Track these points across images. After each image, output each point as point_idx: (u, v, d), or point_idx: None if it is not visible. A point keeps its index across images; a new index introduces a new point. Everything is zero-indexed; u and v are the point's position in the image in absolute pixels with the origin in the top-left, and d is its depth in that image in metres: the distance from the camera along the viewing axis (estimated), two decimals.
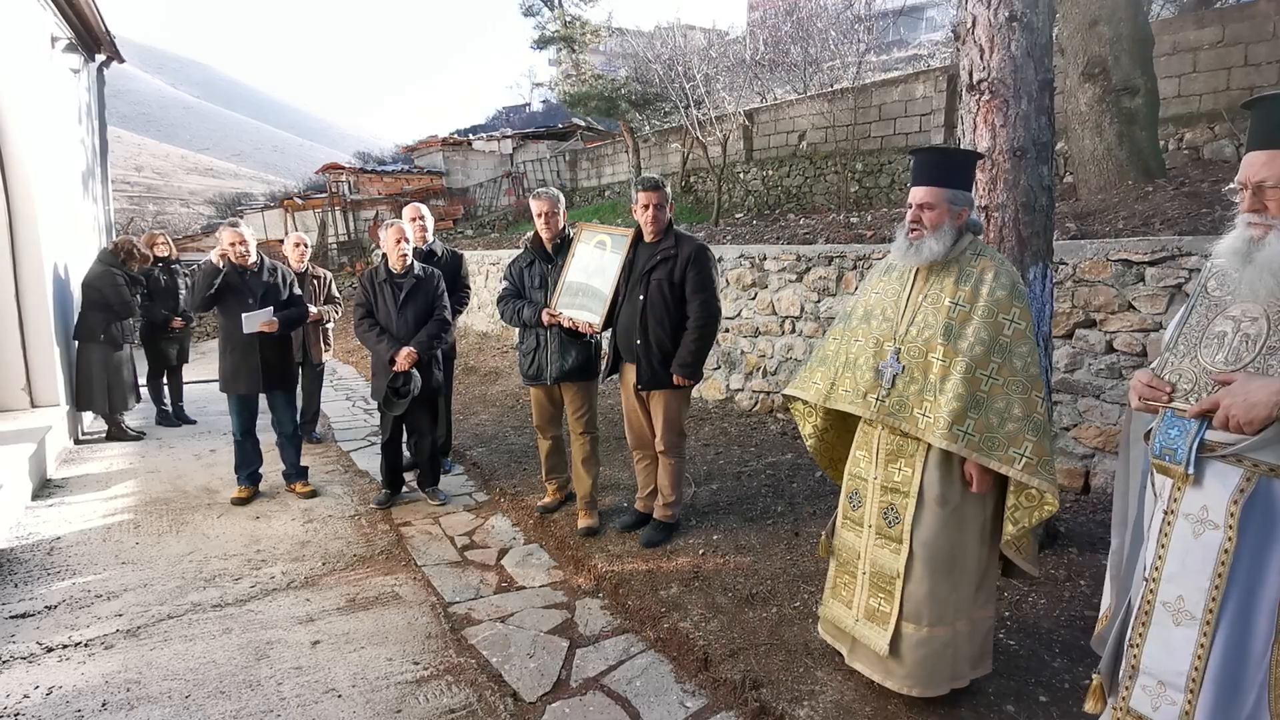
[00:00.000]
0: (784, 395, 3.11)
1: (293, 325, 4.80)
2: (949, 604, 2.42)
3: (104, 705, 2.66)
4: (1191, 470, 1.67)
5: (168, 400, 7.03)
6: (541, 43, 17.45)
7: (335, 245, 17.96)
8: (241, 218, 19.82)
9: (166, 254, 6.92)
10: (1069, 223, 5.02)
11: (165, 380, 7.01)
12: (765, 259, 6.21)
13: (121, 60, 9.07)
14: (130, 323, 6.26)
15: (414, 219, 5.02)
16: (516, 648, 3.08)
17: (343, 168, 20.03)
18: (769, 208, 12.09)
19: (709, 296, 3.66)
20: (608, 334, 3.98)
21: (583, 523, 4.08)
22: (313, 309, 5.55)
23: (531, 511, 4.44)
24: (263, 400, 4.76)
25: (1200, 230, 4.38)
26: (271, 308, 4.58)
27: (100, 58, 8.68)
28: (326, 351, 6.25)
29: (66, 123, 7.29)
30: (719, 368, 6.70)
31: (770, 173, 12.71)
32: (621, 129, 15.50)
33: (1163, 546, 1.74)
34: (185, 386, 7.33)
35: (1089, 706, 1.96)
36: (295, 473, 4.95)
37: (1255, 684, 1.61)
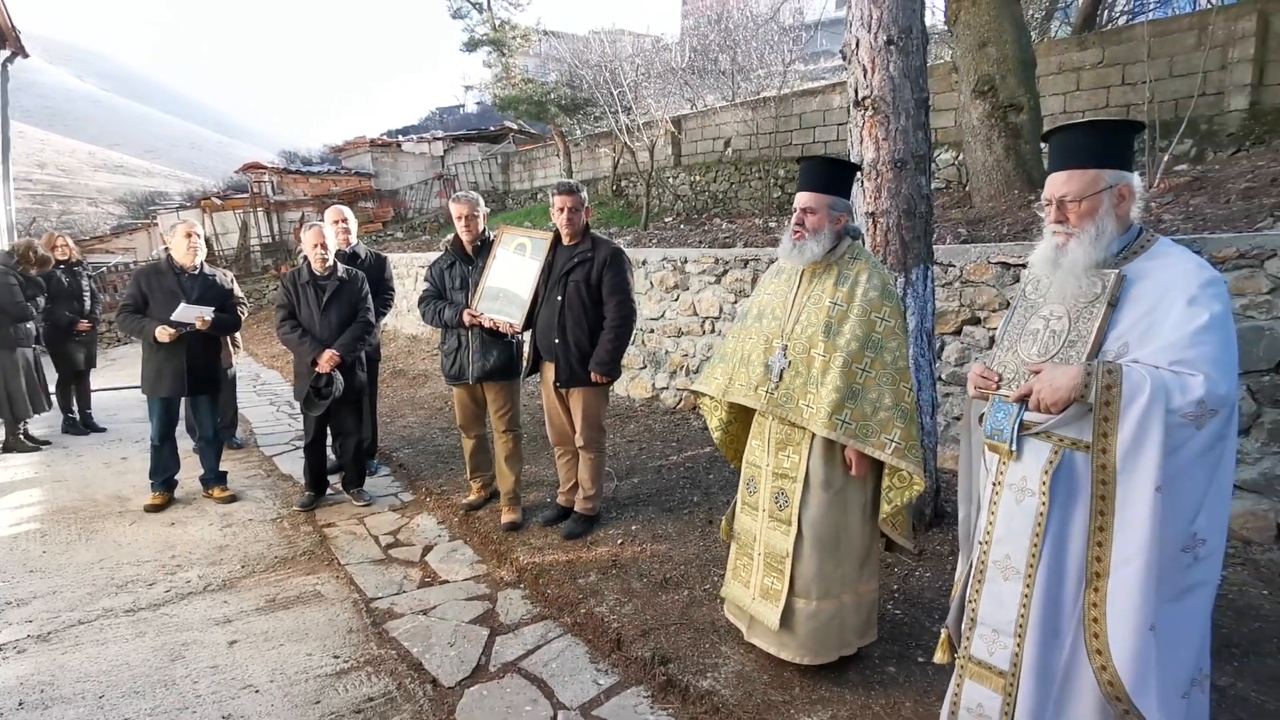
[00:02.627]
0: (691, 390, 3.31)
1: (225, 329, 4.77)
2: (835, 579, 2.66)
3: (20, 705, 2.66)
4: (1014, 447, 1.94)
5: (75, 408, 6.77)
6: (471, 45, 17.36)
7: (259, 247, 17.42)
8: (155, 218, 19.06)
9: (67, 256, 6.68)
10: (961, 228, 5.43)
11: (73, 386, 6.75)
12: (687, 262, 6.45)
13: (26, 55, 8.66)
14: (27, 326, 6.03)
15: (336, 221, 5.03)
16: (437, 638, 3.18)
17: (265, 167, 19.43)
18: (697, 212, 12.40)
19: (625, 297, 3.84)
20: (528, 334, 4.11)
21: (506, 518, 4.20)
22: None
23: (457, 510, 4.53)
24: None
25: None
26: (212, 306, 4.54)
27: (4, 53, 8.27)
28: (236, 353, 6.17)
29: None
30: (645, 367, 6.90)
31: (698, 178, 13.04)
32: (553, 133, 15.59)
33: (992, 513, 2.01)
34: (96, 393, 7.07)
35: (938, 658, 2.22)
36: (214, 478, 4.90)
37: (1071, 627, 1.88)
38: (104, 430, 6.77)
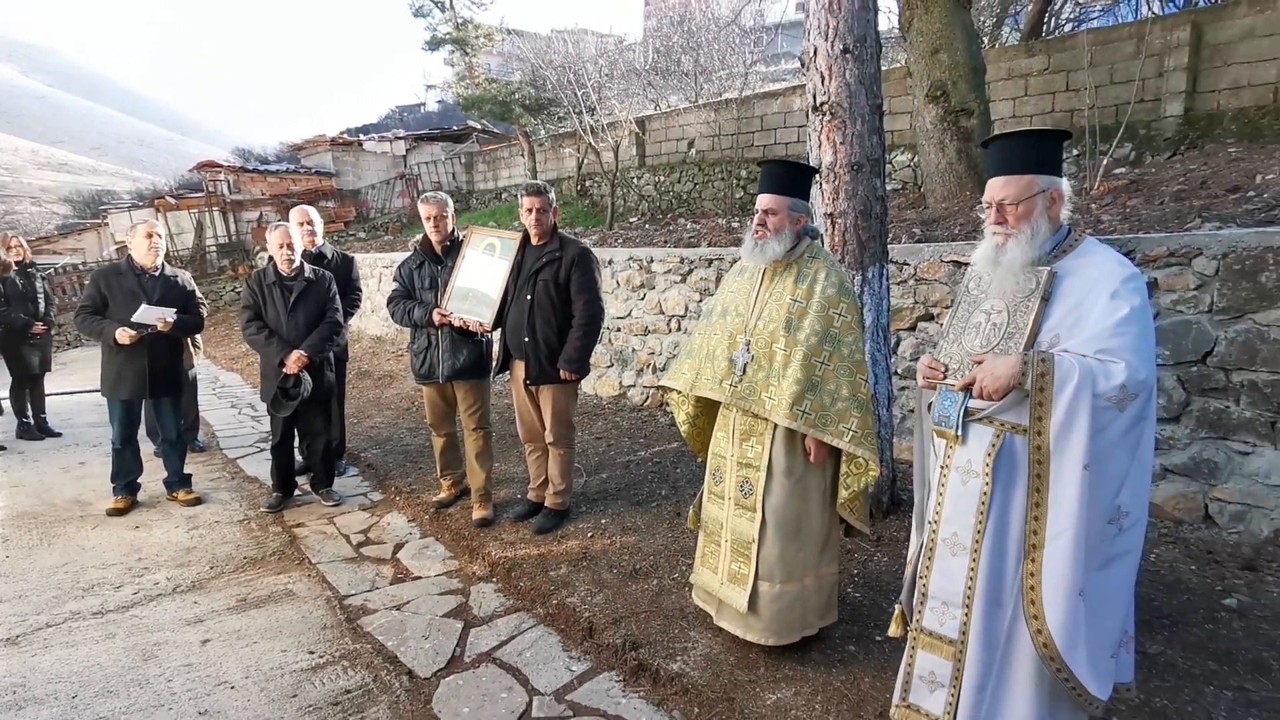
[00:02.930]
0: (659, 386, 3.41)
1: (187, 331, 4.73)
2: (797, 563, 2.79)
3: None
4: (960, 432, 2.08)
5: (30, 412, 6.61)
6: (433, 44, 17.23)
7: (215, 248, 17.04)
8: (105, 217, 18.50)
9: (20, 257, 6.52)
10: (915, 228, 5.64)
11: (28, 390, 6.58)
12: (652, 261, 6.56)
13: None
14: None
15: (302, 223, 5.02)
16: (412, 631, 3.24)
17: (221, 166, 19.00)
18: (661, 212, 12.53)
19: (592, 296, 3.93)
20: (498, 333, 4.17)
21: (477, 514, 4.26)
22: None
23: (427, 508, 4.57)
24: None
25: None
26: (174, 307, 4.51)
27: None
28: (197, 354, 6.10)
29: None
30: (612, 365, 6.99)
31: (662, 178, 13.17)
32: (518, 133, 15.57)
33: (941, 495, 2.16)
34: (50, 397, 6.90)
35: (892, 631, 2.36)
36: (178, 480, 4.85)
37: (1012, 596, 2.03)
38: (59, 435, 6.61)
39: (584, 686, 2.84)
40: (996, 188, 2.03)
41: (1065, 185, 2.04)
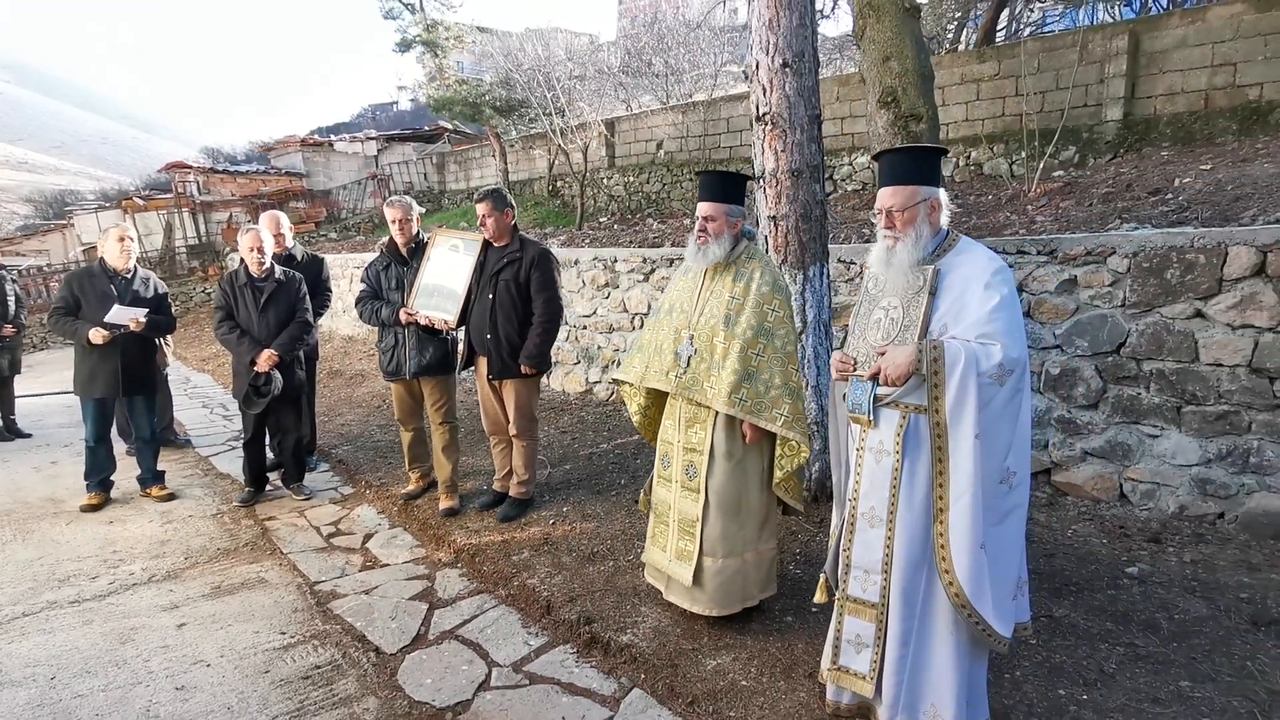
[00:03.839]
0: (612, 379, 3.63)
1: (159, 331, 4.85)
2: (738, 539, 3.02)
3: None
4: (871, 417, 2.33)
5: None
6: (403, 46, 17.27)
7: (184, 249, 16.92)
8: (70, 218, 18.26)
9: None
10: (866, 228, 5.91)
11: None
12: (616, 261, 6.77)
13: None
14: None
15: (272, 228, 5.13)
16: (379, 613, 3.42)
17: (190, 166, 18.84)
18: (631, 212, 12.75)
19: (551, 295, 4.13)
20: (462, 330, 4.36)
21: (444, 504, 4.44)
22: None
23: (396, 500, 4.74)
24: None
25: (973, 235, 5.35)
26: (146, 309, 4.62)
27: None
28: (169, 350, 6.21)
29: None
30: (578, 362, 7.19)
31: (632, 179, 13.39)
32: (489, 134, 15.69)
33: (858, 474, 2.40)
34: (20, 400, 6.93)
35: (817, 599, 2.60)
36: (152, 477, 4.97)
37: (926, 560, 2.27)
38: (29, 436, 6.66)
39: (541, 658, 3.05)
40: (885, 197, 2.29)
41: (943, 194, 2.32)
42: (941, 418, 2.15)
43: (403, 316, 4.28)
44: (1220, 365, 3.64)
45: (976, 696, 2.35)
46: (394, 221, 4.42)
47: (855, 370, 2.36)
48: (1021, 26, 14.50)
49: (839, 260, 5.03)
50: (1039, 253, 4.16)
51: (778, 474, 2.98)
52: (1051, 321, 4.13)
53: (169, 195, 17.77)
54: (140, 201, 17.42)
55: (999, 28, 12.26)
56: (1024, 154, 8.03)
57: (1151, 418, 3.87)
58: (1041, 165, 6.59)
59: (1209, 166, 5.41)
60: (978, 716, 2.36)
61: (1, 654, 3.05)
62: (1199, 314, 3.68)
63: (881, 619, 2.36)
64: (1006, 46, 9.47)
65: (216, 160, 25.73)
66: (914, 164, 2.28)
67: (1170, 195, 4.85)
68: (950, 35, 13.28)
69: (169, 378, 6.36)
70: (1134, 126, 7.93)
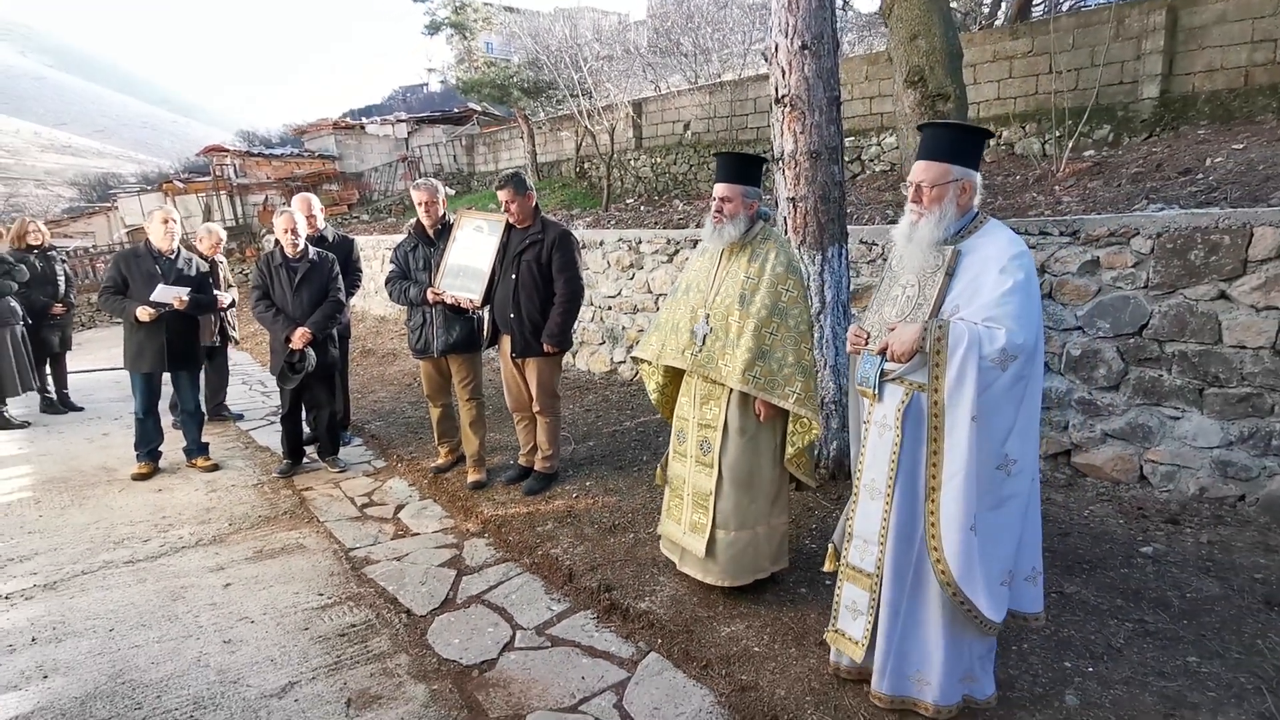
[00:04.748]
0: (631, 357, 3.73)
1: (201, 310, 5.07)
2: (750, 512, 3.12)
3: (33, 640, 3.02)
4: (877, 391, 2.40)
5: (52, 388, 6.99)
6: (432, 28, 17.39)
7: (223, 230, 17.35)
8: (114, 201, 18.83)
9: (39, 242, 6.85)
10: (890, 209, 5.91)
11: (49, 368, 6.96)
12: (641, 242, 6.85)
13: None
14: (12, 304, 6.24)
15: (304, 210, 5.31)
16: (410, 578, 3.60)
17: (228, 150, 19.26)
18: (658, 193, 12.76)
19: (572, 275, 4.24)
20: (487, 309, 4.49)
21: (472, 478, 4.61)
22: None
23: (426, 473, 4.93)
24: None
25: (998, 215, 5.34)
26: (188, 287, 4.84)
27: None
28: (233, 330, 6.51)
29: None
30: (604, 343, 7.31)
31: (659, 160, 13.39)
32: (517, 116, 15.77)
33: (863, 447, 2.48)
34: (71, 375, 7.28)
35: (826, 567, 2.70)
36: (197, 449, 5.22)
37: (919, 534, 2.35)
38: (82, 409, 7.00)
39: (562, 623, 3.20)
40: (919, 170, 2.32)
41: (977, 178, 2.32)
42: (940, 397, 2.20)
43: (430, 296, 4.42)
44: (1244, 347, 3.62)
45: (982, 668, 2.43)
46: (420, 204, 4.56)
47: (867, 344, 2.43)
48: (1059, 2, 14.11)
49: (861, 241, 5.05)
50: (1061, 234, 4.15)
51: (789, 450, 3.07)
52: (1073, 303, 4.13)
53: (207, 178, 18.21)
54: (180, 185, 17.89)
55: (1035, 3, 11.96)
56: (1057, 133, 7.89)
57: (1173, 399, 3.87)
58: (1072, 144, 6.49)
59: (1242, 146, 5.30)
60: (985, 688, 2.44)
61: (64, 608, 3.29)
62: (1223, 295, 3.66)
63: (875, 589, 2.43)
64: (1040, 23, 9.25)
65: (251, 143, 26.22)
66: (954, 142, 2.29)
67: (1200, 175, 4.78)
68: (985, 11, 12.98)
69: (229, 357, 6.66)
70: (1171, 104, 7.73)
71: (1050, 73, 8.60)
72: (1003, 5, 13.26)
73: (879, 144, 10.10)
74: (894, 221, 5.85)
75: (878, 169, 10.03)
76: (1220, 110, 7.26)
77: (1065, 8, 13.32)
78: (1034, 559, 2.41)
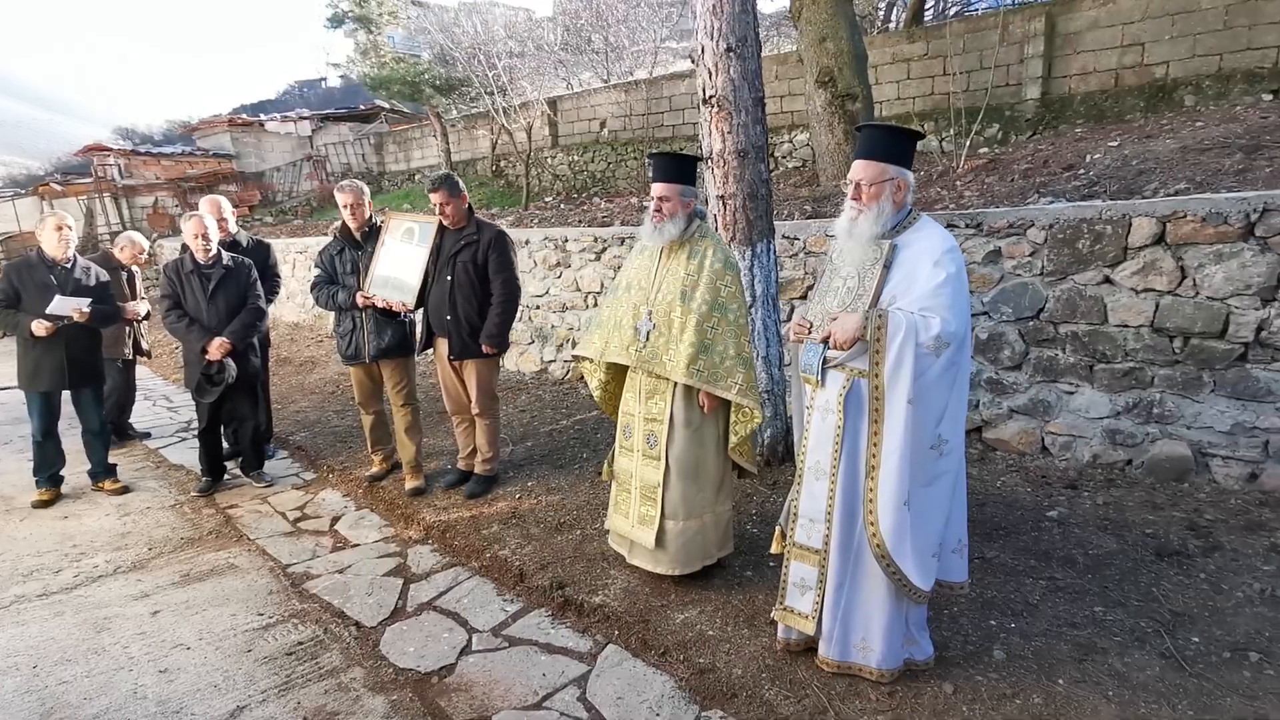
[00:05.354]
0: (572, 355, 3.77)
1: (104, 321, 4.74)
2: (697, 502, 3.23)
3: None
4: (819, 378, 2.54)
5: None
6: (335, 21, 16.72)
7: (108, 236, 16.15)
8: None
9: None
10: (807, 205, 6.16)
11: None
12: (568, 241, 6.87)
13: None
14: None
15: (214, 213, 5.05)
16: (356, 590, 3.52)
17: (111, 149, 17.92)
18: (576, 191, 12.78)
19: (509, 275, 4.23)
20: (420, 312, 4.42)
21: (410, 484, 4.53)
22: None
23: (360, 483, 4.80)
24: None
25: None
26: (89, 298, 4.51)
27: None
28: (144, 340, 6.12)
29: None
30: (533, 342, 7.29)
31: (576, 158, 13.40)
32: (429, 114, 15.40)
33: (807, 431, 2.62)
34: None
35: (774, 549, 2.83)
36: (103, 470, 4.89)
37: (860, 512, 2.51)
38: None
39: (518, 623, 3.22)
40: (858, 169, 2.47)
41: (911, 177, 2.50)
42: (880, 382, 2.36)
43: (359, 300, 4.32)
44: (1126, 326, 4.01)
45: (920, 632, 2.63)
46: (345, 206, 4.44)
47: (810, 333, 2.57)
48: (948, 6, 14.98)
49: (783, 236, 5.25)
50: (967, 225, 4.46)
51: (733, 439, 3.19)
52: (979, 290, 4.45)
53: (88, 180, 16.89)
54: (58, 187, 16.52)
55: (926, 7, 12.66)
56: (952, 131, 8.42)
57: (1068, 376, 4.23)
58: (969, 143, 6.96)
59: (1117, 143, 5.83)
60: (924, 649, 2.63)
61: None
62: (1107, 280, 4.03)
63: (823, 564, 2.58)
64: (934, 27, 9.84)
65: (133, 141, 24.45)
66: (890, 143, 2.45)
67: (1082, 171, 5.23)
68: (881, 15, 13.65)
69: (136, 371, 6.24)
70: (1051, 105, 8.40)
71: (945, 74, 9.17)
72: (895, 9, 13.99)
73: (790, 141, 10.48)
74: (812, 216, 6.14)
75: (791, 165, 10.41)
76: (1094, 110, 7.94)
77: (954, 13, 14.18)
78: (960, 532, 2.61)
